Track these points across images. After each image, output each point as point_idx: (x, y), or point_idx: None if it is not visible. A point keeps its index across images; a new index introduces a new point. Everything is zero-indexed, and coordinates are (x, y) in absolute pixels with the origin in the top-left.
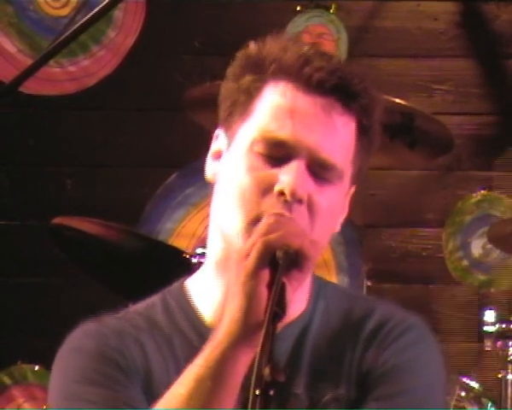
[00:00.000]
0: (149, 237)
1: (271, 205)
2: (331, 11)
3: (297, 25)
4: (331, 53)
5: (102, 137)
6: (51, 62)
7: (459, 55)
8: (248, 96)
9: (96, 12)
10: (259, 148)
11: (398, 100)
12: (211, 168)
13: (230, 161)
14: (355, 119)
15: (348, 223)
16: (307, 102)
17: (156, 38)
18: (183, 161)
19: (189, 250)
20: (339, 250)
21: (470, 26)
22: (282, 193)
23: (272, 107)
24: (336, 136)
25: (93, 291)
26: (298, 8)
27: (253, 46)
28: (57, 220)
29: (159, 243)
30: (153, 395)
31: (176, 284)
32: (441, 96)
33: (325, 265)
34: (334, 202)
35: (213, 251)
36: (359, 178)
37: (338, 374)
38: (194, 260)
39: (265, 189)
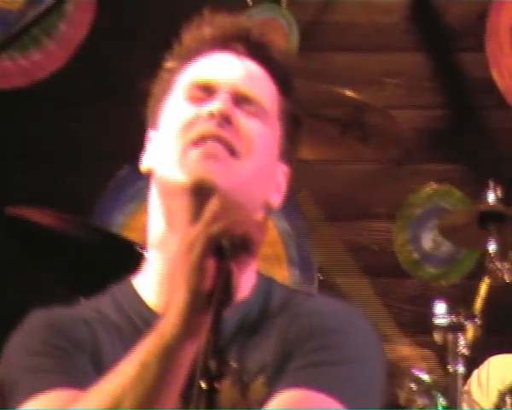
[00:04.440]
0: (102, 228)
1: (202, 125)
2: (282, 5)
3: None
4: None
5: (54, 131)
6: (2, 56)
7: (410, 49)
8: (170, 73)
9: (48, 5)
10: (184, 94)
11: (349, 93)
12: (145, 160)
13: (162, 125)
14: (271, 76)
15: (299, 216)
16: (221, 56)
17: (108, 31)
18: (135, 154)
19: (141, 243)
20: (290, 243)
21: (421, 20)
22: (211, 115)
23: (190, 71)
24: (254, 78)
25: (43, 284)
26: (249, 2)
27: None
28: (9, 211)
29: (111, 235)
30: (102, 375)
31: (123, 281)
32: (392, 89)
33: (276, 258)
34: (265, 139)
35: (152, 237)
36: (292, 157)
37: (267, 347)
38: (146, 253)
39: (195, 119)
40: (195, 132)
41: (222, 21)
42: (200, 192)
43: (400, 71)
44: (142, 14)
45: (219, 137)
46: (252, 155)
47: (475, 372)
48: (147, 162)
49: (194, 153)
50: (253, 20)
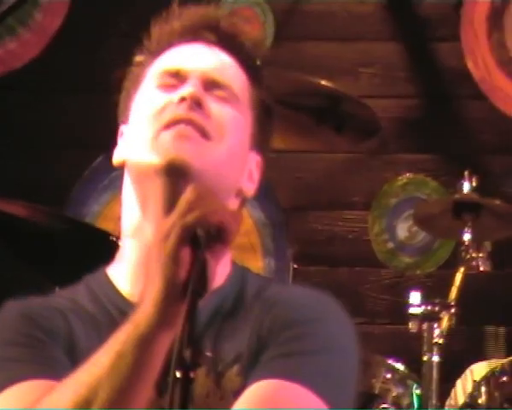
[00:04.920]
0: (76, 219)
1: (173, 110)
2: None
3: (224, 8)
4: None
5: (29, 120)
6: None
7: (386, 39)
8: (141, 67)
9: None
10: (155, 82)
11: (324, 83)
12: (117, 153)
13: (133, 115)
14: (241, 66)
15: (275, 206)
16: (189, 47)
17: (83, 20)
18: (111, 144)
19: (116, 233)
20: (265, 233)
21: (397, 9)
22: (182, 100)
23: (160, 61)
24: (224, 65)
25: (17, 276)
26: None
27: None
28: None
29: (86, 225)
30: (76, 365)
31: (97, 271)
32: (368, 79)
33: (252, 248)
34: (236, 124)
35: (126, 225)
36: (264, 147)
37: (242, 336)
38: (121, 243)
39: (167, 105)
40: (167, 117)
41: (191, 12)
42: (174, 173)
43: (375, 60)
44: (118, 3)
45: (191, 120)
46: (224, 139)
47: (458, 382)
48: (119, 155)
49: (166, 134)
50: (223, 9)
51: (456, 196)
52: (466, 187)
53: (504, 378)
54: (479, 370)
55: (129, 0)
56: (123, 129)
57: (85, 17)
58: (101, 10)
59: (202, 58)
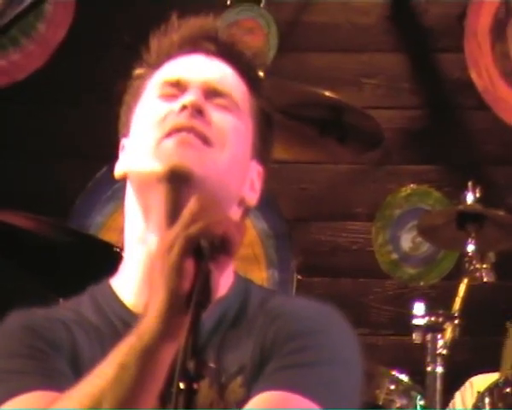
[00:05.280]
0: (79, 231)
1: (175, 118)
2: (261, 5)
3: (227, 19)
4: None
5: (32, 130)
6: None
7: (389, 50)
8: (140, 80)
9: (26, 5)
10: (156, 92)
11: (327, 94)
12: (118, 166)
13: (135, 126)
14: (240, 75)
15: (278, 217)
16: (189, 57)
17: (86, 32)
18: (112, 154)
19: (120, 244)
20: (269, 244)
21: (400, 20)
22: (183, 108)
23: (161, 73)
24: (224, 75)
25: (21, 287)
26: (228, 2)
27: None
28: None
29: (89, 237)
30: (80, 376)
31: (101, 282)
32: (371, 90)
33: (255, 259)
34: (237, 131)
35: (130, 237)
36: (266, 157)
37: (245, 348)
38: (124, 254)
39: (168, 114)
40: (168, 125)
41: (190, 24)
42: (176, 179)
43: (379, 71)
44: (121, 15)
45: (192, 128)
46: (225, 146)
47: (457, 395)
48: (121, 167)
49: (168, 142)
50: (227, 20)
51: (460, 206)
52: (469, 198)
53: (508, 389)
54: (478, 382)
55: (132, 12)
56: (124, 142)
57: (88, 29)
58: (104, 22)
59: (202, 68)
